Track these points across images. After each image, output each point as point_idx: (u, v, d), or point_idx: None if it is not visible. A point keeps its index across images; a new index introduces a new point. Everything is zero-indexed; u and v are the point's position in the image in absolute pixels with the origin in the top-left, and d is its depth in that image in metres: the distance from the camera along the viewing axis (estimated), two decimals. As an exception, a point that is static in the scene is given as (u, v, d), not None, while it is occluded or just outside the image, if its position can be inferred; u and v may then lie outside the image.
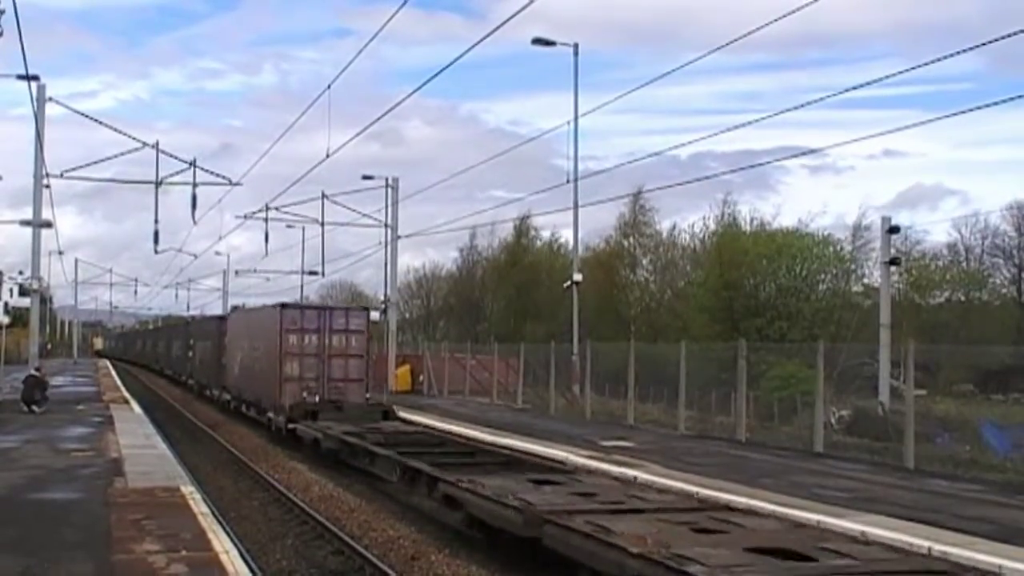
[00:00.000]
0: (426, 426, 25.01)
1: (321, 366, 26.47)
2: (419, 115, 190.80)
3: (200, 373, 43.42)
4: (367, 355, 27.58)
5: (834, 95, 45.25)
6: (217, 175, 32.30)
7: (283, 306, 28.01)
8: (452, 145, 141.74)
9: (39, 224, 31.65)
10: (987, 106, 20.53)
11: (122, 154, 31.17)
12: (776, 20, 19.44)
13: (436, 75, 59.69)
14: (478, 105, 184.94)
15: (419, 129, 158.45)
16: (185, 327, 54.64)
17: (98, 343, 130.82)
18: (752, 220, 49.28)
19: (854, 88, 40.55)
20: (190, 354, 47.02)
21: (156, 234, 32.35)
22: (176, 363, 54.46)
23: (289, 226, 50.51)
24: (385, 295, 47.44)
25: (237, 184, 32.72)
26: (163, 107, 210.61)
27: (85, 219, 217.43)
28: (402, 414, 26.29)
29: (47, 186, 32.60)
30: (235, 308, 41.99)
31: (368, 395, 27.41)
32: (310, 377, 26.30)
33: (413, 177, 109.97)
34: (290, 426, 24.40)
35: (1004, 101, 26.81)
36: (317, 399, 25.80)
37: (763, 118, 48.93)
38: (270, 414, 26.77)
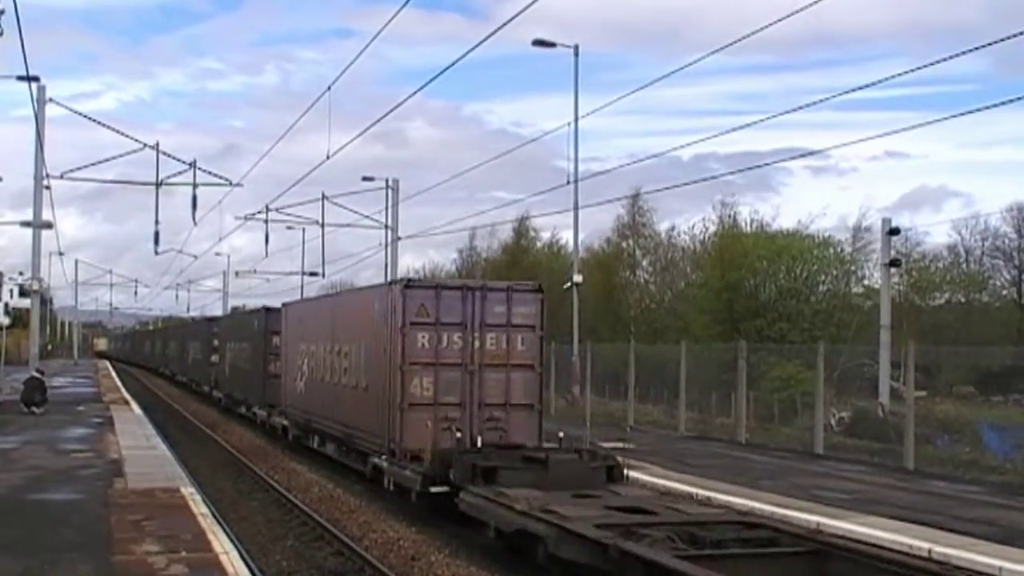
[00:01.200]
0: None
1: (468, 383, 16.31)
2: (423, 116, 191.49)
3: (230, 384, 35.15)
4: (541, 365, 17.02)
5: (836, 96, 45.27)
6: (217, 176, 32.39)
7: (407, 284, 16.93)
8: (455, 146, 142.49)
9: (39, 225, 31.73)
10: (991, 107, 20.53)
11: (123, 155, 31.24)
12: (778, 21, 19.43)
13: (437, 76, 59.18)
14: (481, 106, 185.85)
15: (423, 130, 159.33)
16: (209, 324, 44.78)
17: (100, 344, 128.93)
18: (752, 221, 49.33)
19: (856, 89, 40.54)
20: (214, 358, 39.20)
21: (157, 235, 32.35)
22: (194, 369, 46.70)
23: (289, 227, 50.58)
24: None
25: (237, 185, 32.82)
26: (165, 107, 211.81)
27: (87, 220, 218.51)
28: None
29: (47, 187, 32.70)
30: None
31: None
32: (451, 402, 16.23)
33: (416, 178, 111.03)
34: (434, 490, 14.51)
35: (1008, 102, 26.64)
36: (480, 441, 15.42)
37: (765, 119, 48.72)
38: (377, 460, 17.04)
